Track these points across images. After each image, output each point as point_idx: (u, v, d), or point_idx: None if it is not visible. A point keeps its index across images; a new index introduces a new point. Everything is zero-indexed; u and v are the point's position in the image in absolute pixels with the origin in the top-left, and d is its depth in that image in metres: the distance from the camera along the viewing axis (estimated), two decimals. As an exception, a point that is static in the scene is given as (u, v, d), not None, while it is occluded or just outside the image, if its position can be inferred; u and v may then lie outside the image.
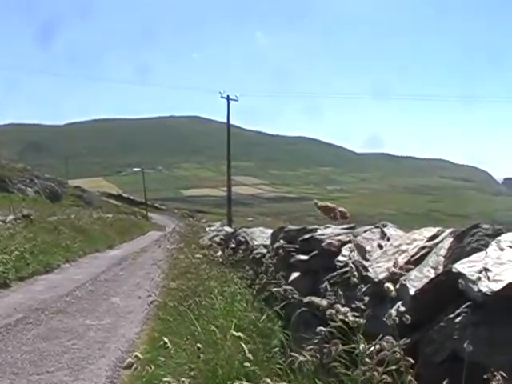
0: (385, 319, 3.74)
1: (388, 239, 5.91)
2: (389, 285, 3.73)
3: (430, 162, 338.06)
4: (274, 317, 7.11)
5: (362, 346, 3.71)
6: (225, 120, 54.02)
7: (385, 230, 6.11)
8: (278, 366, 5.31)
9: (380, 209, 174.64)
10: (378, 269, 5.07)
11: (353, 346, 3.80)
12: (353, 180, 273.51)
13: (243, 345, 4.81)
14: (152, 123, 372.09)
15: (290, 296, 6.67)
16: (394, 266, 4.71)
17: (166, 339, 4.98)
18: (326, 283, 5.26)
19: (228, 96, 52.73)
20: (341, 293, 4.52)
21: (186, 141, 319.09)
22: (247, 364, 4.75)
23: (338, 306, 4.00)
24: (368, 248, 5.85)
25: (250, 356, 4.67)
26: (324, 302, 5.59)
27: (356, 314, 4.77)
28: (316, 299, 5.94)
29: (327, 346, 3.85)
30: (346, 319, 3.91)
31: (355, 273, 4.18)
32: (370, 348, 3.70)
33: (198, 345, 5.35)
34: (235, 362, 5.56)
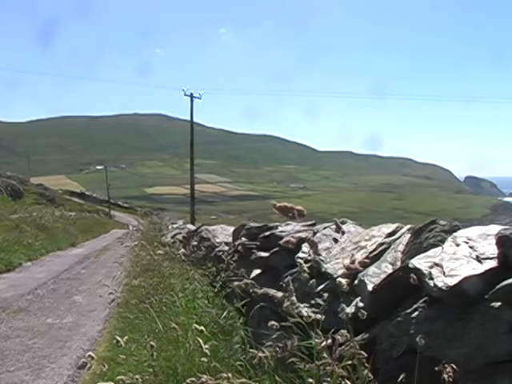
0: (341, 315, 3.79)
1: (343, 233, 5.97)
2: (341, 279, 3.77)
3: (393, 161, 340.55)
4: (235, 313, 7.13)
5: (316, 340, 3.75)
6: (188, 118, 53.81)
7: (344, 226, 6.16)
8: (238, 362, 5.32)
9: (343, 206, 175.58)
10: (337, 265, 5.11)
11: (310, 341, 3.83)
12: (316, 178, 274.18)
13: (200, 340, 4.81)
14: (115, 121, 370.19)
15: (250, 290, 6.69)
16: (352, 263, 4.75)
17: (119, 338, 4.95)
18: (289, 278, 5.29)
19: (191, 94, 52.51)
20: (292, 287, 4.54)
21: (149, 139, 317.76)
22: (204, 359, 4.75)
23: (293, 298, 4.04)
24: (327, 245, 5.89)
25: (207, 351, 4.67)
26: (279, 294, 5.63)
27: (315, 309, 4.82)
28: (271, 291, 5.97)
29: (284, 341, 3.88)
30: (304, 313, 3.94)
31: (305, 268, 4.20)
32: (322, 342, 3.74)
33: (152, 343, 5.33)
34: (196, 358, 5.56)
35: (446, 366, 3.02)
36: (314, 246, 5.95)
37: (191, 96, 52.54)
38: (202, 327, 5.18)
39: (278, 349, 4.14)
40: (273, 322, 4.22)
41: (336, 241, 5.89)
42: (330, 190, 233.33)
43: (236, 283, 7.26)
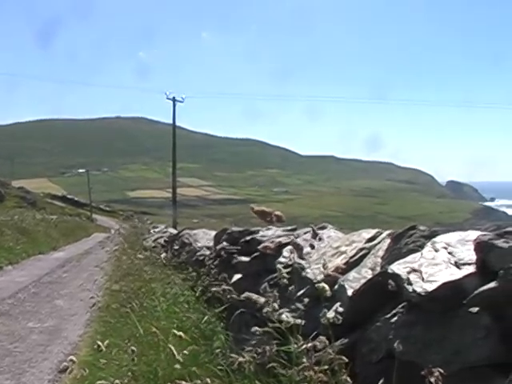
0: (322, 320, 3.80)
1: (320, 239, 5.98)
2: (323, 284, 3.78)
3: (375, 165, 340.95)
4: (216, 318, 7.12)
5: (294, 345, 3.75)
6: (171, 121, 53.78)
7: (324, 231, 6.18)
8: (219, 367, 5.31)
9: (325, 211, 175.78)
10: (317, 270, 5.12)
11: (289, 346, 3.84)
12: (298, 182, 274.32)
13: (172, 347, 4.81)
14: (98, 124, 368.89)
15: (228, 296, 6.69)
16: (324, 268, 4.76)
17: (100, 343, 4.94)
18: (266, 284, 5.30)
19: (174, 97, 52.45)
20: (276, 293, 4.55)
21: (131, 142, 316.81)
22: (178, 366, 4.77)
23: (275, 304, 4.05)
24: (307, 249, 5.90)
25: (179, 358, 4.68)
26: (261, 300, 5.63)
27: (295, 314, 4.83)
28: (253, 296, 5.97)
29: (263, 346, 3.88)
30: (284, 318, 3.95)
31: (284, 274, 4.21)
32: (301, 348, 3.75)
33: (132, 348, 5.33)
34: (176, 363, 5.56)
35: (432, 369, 3.03)
36: (298, 250, 5.96)
37: (174, 100, 52.55)
38: (180, 333, 5.18)
39: (256, 354, 4.14)
40: (256, 328, 4.23)
41: (313, 247, 5.91)
42: (312, 194, 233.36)
43: (213, 289, 7.27)
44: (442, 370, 3.03)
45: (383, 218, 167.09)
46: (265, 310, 4.06)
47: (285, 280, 4.26)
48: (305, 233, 6.49)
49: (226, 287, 6.91)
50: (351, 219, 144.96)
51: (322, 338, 3.73)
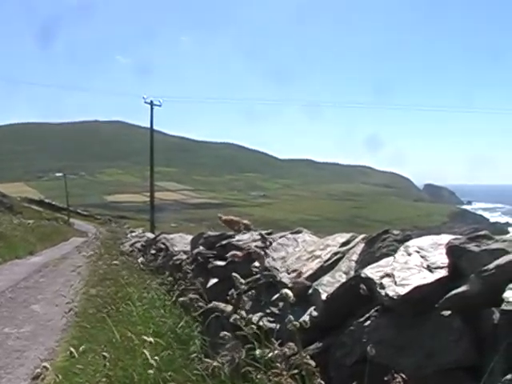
0: (288, 326, 3.82)
1: (297, 242, 6.01)
2: (287, 291, 3.80)
3: (352, 169, 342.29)
4: (192, 323, 7.12)
5: (266, 350, 3.77)
6: (149, 125, 53.64)
7: (299, 235, 6.20)
8: (195, 371, 5.32)
9: (303, 215, 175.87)
10: (292, 274, 5.14)
11: (261, 350, 3.85)
12: (276, 186, 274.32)
13: (146, 352, 4.81)
14: (75, 128, 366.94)
15: (195, 305, 6.71)
16: (298, 276, 4.80)
17: (72, 349, 4.95)
18: (233, 291, 5.30)
19: (151, 101, 52.37)
20: (245, 298, 4.58)
21: (109, 146, 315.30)
22: (151, 371, 4.77)
23: (243, 312, 4.06)
24: (283, 254, 5.92)
25: (153, 362, 4.68)
26: (228, 308, 5.64)
27: (270, 318, 4.85)
28: (221, 305, 5.99)
29: (232, 351, 3.90)
30: (258, 323, 3.96)
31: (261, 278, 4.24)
32: (271, 352, 3.77)
33: (104, 353, 5.33)
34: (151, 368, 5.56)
35: (395, 374, 3.06)
36: (261, 259, 5.97)
37: (151, 104, 52.46)
38: (150, 338, 5.18)
39: (227, 359, 4.16)
40: (225, 332, 4.25)
41: (289, 251, 5.93)
42: (290, 198, 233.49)
43: (180, 299, 7.29)
44: (404, 376, 3.06)
45: (361, 221, 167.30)
46: (232, 318, 4.08)
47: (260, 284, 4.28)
48: (280, 237, 6.52)
49: (193, 296, 6.92)
50: (329, 223, 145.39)
51: (291, 345, 3.75)
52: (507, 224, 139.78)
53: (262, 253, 6.10)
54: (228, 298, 5.18)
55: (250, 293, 5.62)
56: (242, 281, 4.32)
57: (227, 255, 6.85)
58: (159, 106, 53.11)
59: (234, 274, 4.71)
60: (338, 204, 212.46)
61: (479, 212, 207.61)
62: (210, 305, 6.24)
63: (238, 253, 6.61)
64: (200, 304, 6.60)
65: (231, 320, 4.04)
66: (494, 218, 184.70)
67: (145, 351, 4.83)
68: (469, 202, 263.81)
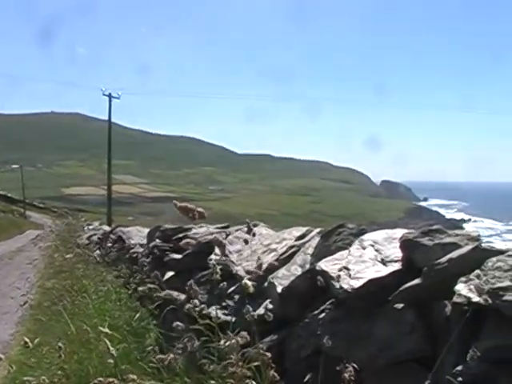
0: (246, 316, 3.84)
1: (254, 235, 6.03)
2: (247, 281, 3.82)
3: (310, 164, 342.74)
4: (148, 316, 7.10)
5: (220, 342, 3.79)
6: (107, 118, 53.27)
7: (255, 229, 6.22)
8: (151, 364, 5.31)
9: (260, 209, 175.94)
10: (248, 267, 5.16)
11: (215, 342, 3.87)
12: (234, 180, 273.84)
13: (108, 342, 4.79)
14: (31, 119, 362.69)
15: (154, 294, 6.70)
16: (258, 268, 4.82)
17: (27, 339, 4.92)
18: (191, 281, 5.30)
19: (110, 93, 51.95)
20: (196, 288, 4.58)
21: (67, 138, 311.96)
22: (111, 361, 4.75)
23: (196, 301, 4.06)
24: (239, 247, 5.94)
25: (114, 353, 4.66)
26: (182, 297, 5.64)
27: (226, 311, 4.86)
28: (174, 293, 5.99)
29: (184, 343, 3.91)
30: (214, 315, 3.97)
31: (218, 270, 4.23)
32: (226, 343, 3.78)
33: (60, 344, 5.30)
34: (108, 361, 5.54)
35: (347, 365, 3.09)
36: (221, 247, 6.00)
37: (110, 96, 52.09)
38: (106, 329, 5.15)
39: (180, 351, 4.17)
40: (178, 323, 4.25)
41: (247, 242, 5.95)
42: (248, 192, 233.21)
43: (140, 288, 7.27)
44: (356, 366, 3.10)
45: (318, 216, 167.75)
46: (186, 307, 4.08)
47: (217, 276, 4.27)
48: (236, 230, 6.53)
49: (152, 286, 6.91)
50: (286, 217, 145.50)
51: (244, 334, 3.77)
52: (462, 220, 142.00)
53: (225, 241, 6.12)
54: (187, 288, 5.16)
55: (205, 286, 5.64)
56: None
57: (180, 243, 6.87)
58: (118, 98, 52.75)
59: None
60: (295, 199, 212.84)
61: (435, 208, 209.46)
62: (164, 292, 6.24)
63: (192, 241, 6.63)
64: (158, 294, 6.59)
65: (185, 309, 4.04)
66: (449, 214, 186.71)
67: (105, 340, 4.80)
68: (425, 199, 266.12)
